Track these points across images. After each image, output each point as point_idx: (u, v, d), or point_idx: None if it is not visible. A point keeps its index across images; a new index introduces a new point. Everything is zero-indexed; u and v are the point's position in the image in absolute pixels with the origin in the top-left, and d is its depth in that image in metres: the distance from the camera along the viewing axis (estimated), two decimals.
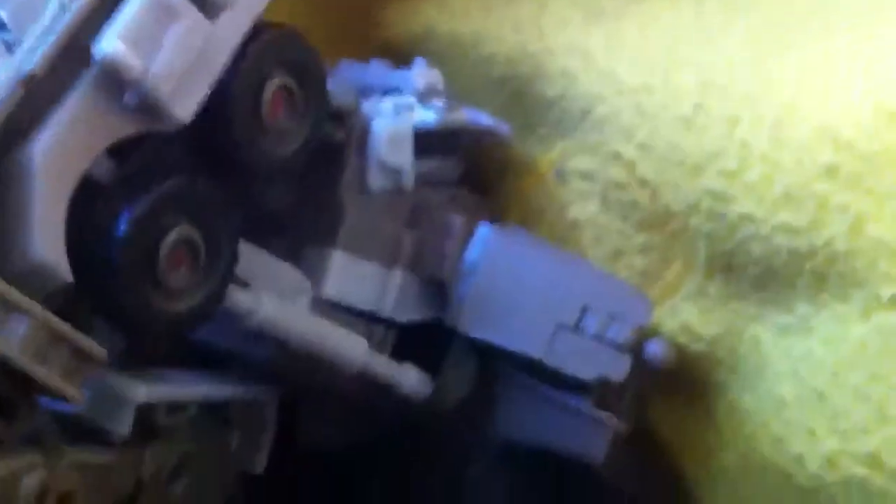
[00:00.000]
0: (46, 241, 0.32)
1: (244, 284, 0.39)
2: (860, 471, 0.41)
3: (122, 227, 0.33)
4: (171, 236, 0.34)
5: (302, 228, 0.42)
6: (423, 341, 0.45)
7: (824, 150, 0.41)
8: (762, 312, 0.45)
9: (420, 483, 0.48)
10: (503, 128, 0.47)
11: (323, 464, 0.48)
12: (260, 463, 0.44)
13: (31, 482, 0.32)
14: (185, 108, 0.34)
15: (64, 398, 0.33)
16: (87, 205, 0.33)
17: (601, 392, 0.44)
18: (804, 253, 0.42)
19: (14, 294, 0.31)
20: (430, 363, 0.45)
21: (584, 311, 0.43)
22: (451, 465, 0.48)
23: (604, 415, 0.44)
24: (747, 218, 0.43)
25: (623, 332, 0.43)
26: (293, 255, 0.42)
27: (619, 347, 0.43)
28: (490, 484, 0.47)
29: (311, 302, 0.41)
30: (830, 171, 0.41)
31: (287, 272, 0.41)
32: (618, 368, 0.43)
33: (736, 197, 0.43)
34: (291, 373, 0.42)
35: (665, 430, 0.48)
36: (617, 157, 0.45)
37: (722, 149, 0.43)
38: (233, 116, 0.36)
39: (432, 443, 0.48)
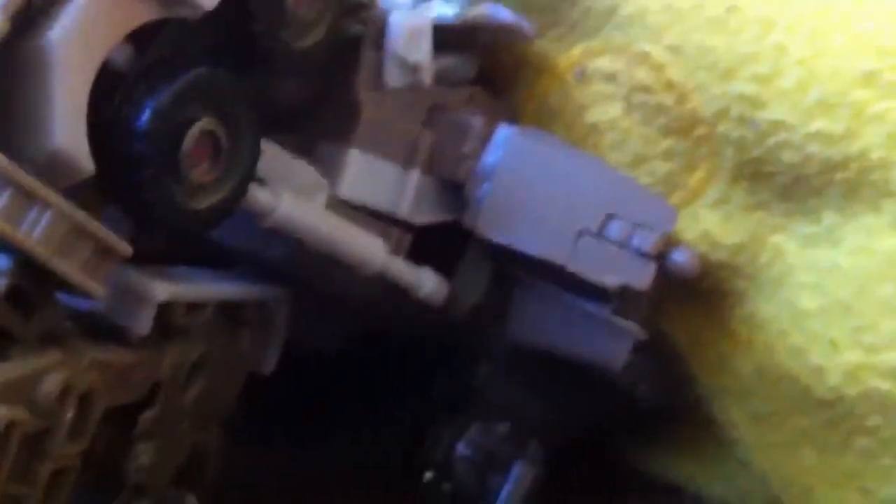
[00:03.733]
0: (68, 130, 0.30)
1: (261, 182, 0.38)
2: (883, 385, 0.41)
3: (145, 118, 0.32)
4: (195, 129, 0.33)
5: (317, 125, 0.41)
6: (437, 245, 0.44)
7: (863, 57, 0.40)
8: (787, 222, 0.44)
9: (428, 384, 0.47)
10: (525, 24, 0.45)
11: (325, 365, 0.48)
12: (270, 364, 0.43)
13: (52, 382, 0.31)
14: None
15: (85, 294, 0.32)
16: (108, 94, 0.32)
17: (620, 299, 0.44)
18: (837, 162, 0.41)
19: (36, 185, 0.30)
20: (444, 268, 0.44)
21: (608, 217, 0.42)
22: (461, 368, 0.47)
23: (624, 322, 0.43)
24: (779, 125, 0.41)
25: (648, 240, 0.42)
26: (307, 152, 0.41)
27: (644, 255, 0.42)
28: (500, 386, 0.47)
29: (328, 201, 0.40)
30: (868, 79, 0.40)
31: (303, 170, 0.40)
32: (642, 276, 0.42)
33: (768, 103, 0.42)
34: (306, 274, 0.41)
35: (679, 337, 0.47)
36: (644, 58, 0.44)
37: (756, 52, 0.42)
38: (255, 5, 0.34)
39: (442, 345, 0.47)
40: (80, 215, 0.31)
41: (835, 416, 0.43)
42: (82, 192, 0.32)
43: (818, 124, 0.41)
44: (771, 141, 0.42)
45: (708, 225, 0.45)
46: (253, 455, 0.47)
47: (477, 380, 0.47)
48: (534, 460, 0.46)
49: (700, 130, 0.44)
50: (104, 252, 0.32)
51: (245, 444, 0.44)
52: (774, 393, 0.45)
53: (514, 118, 0.46)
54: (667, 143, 0.45)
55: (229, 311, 0.40)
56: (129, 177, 0.32)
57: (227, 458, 0.43)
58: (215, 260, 0.41)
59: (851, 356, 0.41)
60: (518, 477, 0.45)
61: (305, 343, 0.44)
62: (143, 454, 0.38)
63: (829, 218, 0.42)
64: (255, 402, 0.43)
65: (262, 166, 0.37)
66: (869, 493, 0.44)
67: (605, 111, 0.45)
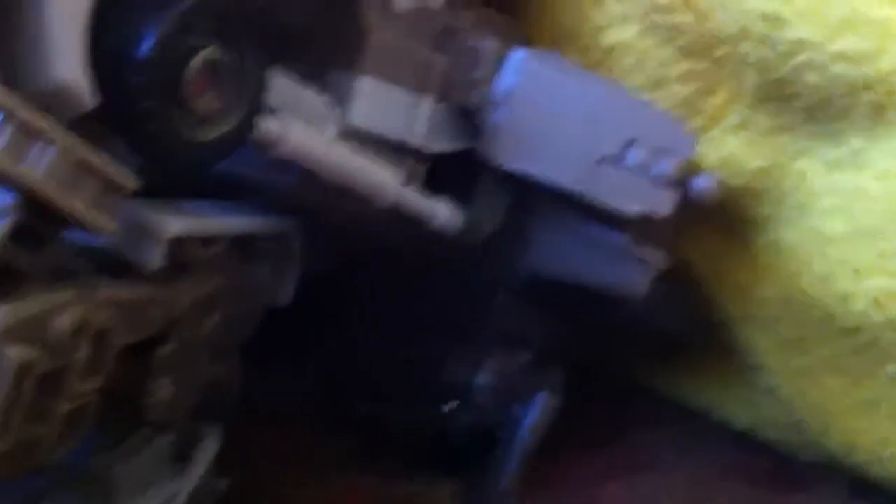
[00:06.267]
0: (68, 60, 0.29)
1: (271, 111, 0.37)
2: None
3: (146, 46, 0.31)
4: (198, 57, 0.32)
5: (324, 52, 0.40)
6: (452, 174, 0.43)
7: None
8: (811, 145, 0.43)
9: (444, 313, 0.47)
10: None
11: (339, 293, 0.47)
12: (286, 295, 0.42)
13: (65, 319, 0.31)
14: None
15: (94, 229, 0.31)
16: (108, 23, 0.31)
17: (640, 227, 0.43)
18: (863, 82, 0.40)
19: (38, 119, 0.29)
20: (460, 196, 0.43)
21: (627, 142, 0.41)
22: (479, 297, 0.46)
23: (646, 251, 0.42)
24: (802, 44, 0.40)
25: (669, 166, 0.41)
26: (316, 80, 0.40)
27: (665, 181, 0.41)
28: (518, 313, 0.46)
29: (339, 130, 0.39)
30: None
31: (312, 98, 0.39)
32: (663, 203, 0.41)
33: (791, 20, 0.40)
34: (318, 204, 0.40)
35: (700, 264, 0.47)
36: None
37: None
38: None
39: (458, 274, 0.46)
40: (85, 150, 0.30)
41: (861, 343, 0.43)
42: (87, 126, 0.32)
43: (843, 43, 0.39)
44: (794, 61, 0.41)
45: (729, 150, 0.44)
46: (263, 385, 0.46)
47: (495, 308, 0.46)
48: (556, 389, 0.45)
49: (720, 51, 0.42)
50: (111, 187, 0.31)
51: (256, 374, 0.44)
52: (799, 320, 0.44)
53: (527, 41, 0.45)
54: (686, 66, 0.43)
55: (243, 244, 0.39)
56: (132, 108, 0.31)
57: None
58: (226, 191, 0.40)
59: (877, 282, 0.41)
60: (541, 407, 0.45)
61: (318, 270, 0.44)
62: (161, 389, 0.37)
63: (855, 141, 0.41)
64: (264, 330, 0.42)
65: (271, 95, 0.36)
66: None
67: (621, 32, 0.44)
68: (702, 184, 0.43)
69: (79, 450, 0.35)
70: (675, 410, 0.50)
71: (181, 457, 0.41)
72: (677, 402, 0.50)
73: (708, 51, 0.43)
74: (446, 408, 0.46)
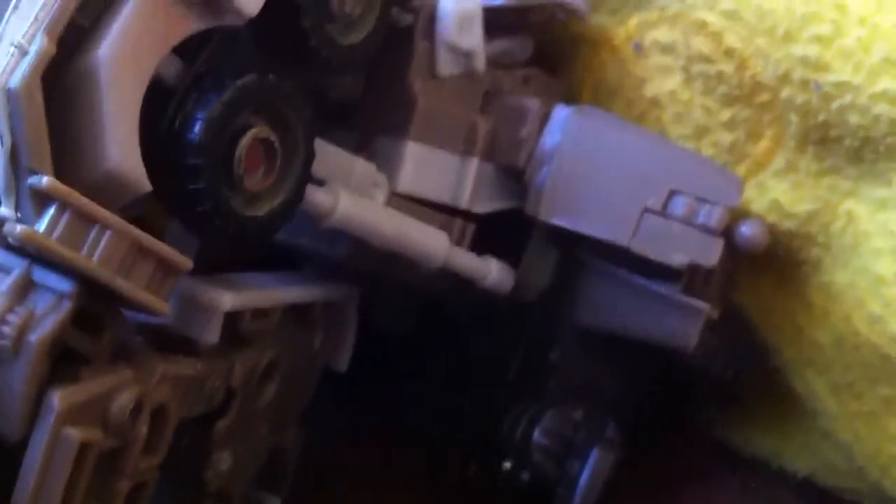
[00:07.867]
0: (122, 149, 0.30)
1: (320, 182, 0.38)
2: None
3: (197, 130, 0.32)
4: (247, 137, 0.33)
5: (372, 120, 0.41)
6: (501, 233, 0.43)
7: None
8: (858, 187, 0.42)
9: (499, 368, 0.47)
10: (578, 1, 0.45)
11: (396, 350, 0.47)
12: (343, 360, 0.43)
13: (124, 399, 0.32)
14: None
15: (150, 311, 0.32)
16: (160, 109, 0.32)
17: (689, 277, 0.43)
18: None
19: (93, 207, 0.30)
20: (509, 255, 0.43)
21: (671, 193, 0.41)
22: (532, 353, 0.46)
23: (695, 301, 0.42)
24: (844, 86, 0.40)
25: (714, 215, 0.41)
26: (364, 148, 0.40)
27: (710, 230, 0.41)
28: (573, 368, 0.46)
29: (388, 196, 0.40)
30: None
31: (361, 167, 0.39)
32: (709, 253, 0.41)
33: (831, 64, 0.40)
34: (370, 270, 0.41)
35: (753, 309, 0.46)
36: (701, 26, 0.43)
37: (815, 13, 0.40)
38: (301, 4, 0.34)
39: (513, 331, 0.46)
40: (140, 233, 0.31)
41: None
42: (149, 207, 0.33)
43: (884, 84, 0.39)
44: (836, 104, 0.41)
45: (776, 194, 0.44)
46: (322, 441, 0.46)
47: (550, 364, 0.46)
48: (612, 444, 0.45)
49: (762, 97, 0.42)
50: (166, 268, 0.32)
51: (314, 428, 0.44)
52: (854, 362, 0.44)
53: (571, 96, 0.45)
54: (729, 113, 0.43)
55: (298, 314, 0.40)
56: (186, 189, 0.32)
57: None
58: (282, 260, 0.41)
59: None
60: (596, 463, 0.44)
61: (372, 327, 0.44)
62: (222, 461, 0.38)
63: None
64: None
65: (320, 166, 0.37)
66: None
67: (664, 83, 0.44)
68: (747, 231, 0.43)
69: None
70: (734, 460, 0.50)
71: None
72: (736, 451, 0.50)
73: (750, 97, 0.43)
74: (504, 467, 0.46)
